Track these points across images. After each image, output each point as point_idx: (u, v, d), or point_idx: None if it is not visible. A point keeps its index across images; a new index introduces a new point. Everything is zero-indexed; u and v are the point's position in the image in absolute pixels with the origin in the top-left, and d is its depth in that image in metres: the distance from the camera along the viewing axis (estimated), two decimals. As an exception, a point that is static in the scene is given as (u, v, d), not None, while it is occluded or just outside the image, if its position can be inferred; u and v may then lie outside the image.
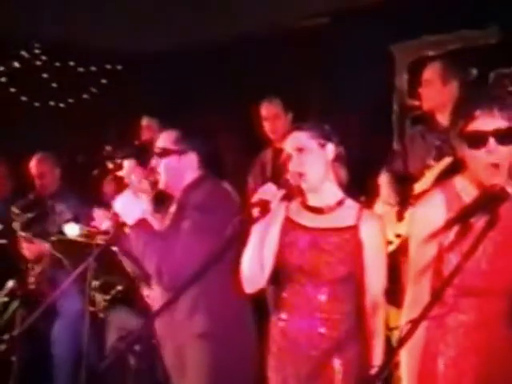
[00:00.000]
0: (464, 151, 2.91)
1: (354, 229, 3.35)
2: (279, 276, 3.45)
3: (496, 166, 2.80)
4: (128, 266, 4.21)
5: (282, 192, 3.29)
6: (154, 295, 4.03)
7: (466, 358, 2.98)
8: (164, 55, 8.21)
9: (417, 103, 6.47)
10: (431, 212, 3.00)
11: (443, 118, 4.96)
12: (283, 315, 3.44)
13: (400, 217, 4.87)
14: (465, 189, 2.98)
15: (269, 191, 3.26)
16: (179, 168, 3.93)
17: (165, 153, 3.92)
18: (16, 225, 6.06)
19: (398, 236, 4.77)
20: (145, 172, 5.04)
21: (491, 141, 2.78)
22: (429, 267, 3.00)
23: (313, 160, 3.37)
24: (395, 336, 4.31)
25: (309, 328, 3.37)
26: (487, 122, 2.79)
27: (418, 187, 4.84)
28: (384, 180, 5.00)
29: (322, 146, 3.39)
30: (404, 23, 6.41)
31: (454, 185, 3.03)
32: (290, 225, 3.43)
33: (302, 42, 7.16)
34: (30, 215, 6.08)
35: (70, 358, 5.84)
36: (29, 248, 5.94)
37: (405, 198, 4.91)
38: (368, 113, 6.51)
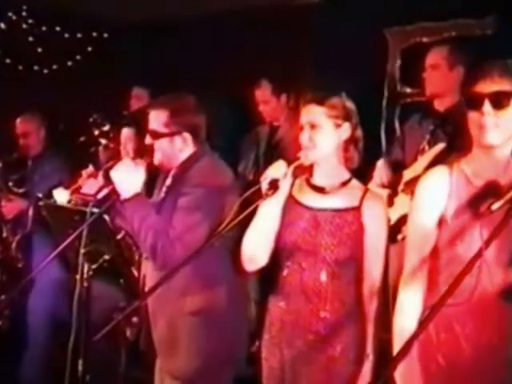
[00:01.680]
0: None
1: (356, 210, 3.29)
2: (279, 256, 3.37)
3: (490, 127, 2.77)
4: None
5: (291, 170, 3.21)
6: (145, 268, 3.94)
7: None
8: (151, 25, 8.11)
9: (408, 90, 6.46)
10: (436, 191, 2.95)
11: (440, 105, 4.96)
12: (282, 297, 3.37)
13: (390, 202, 4.82)
14: (472, 171, 2.93)
15: (279, 169, 3.19)
16: (173, 149, 3.83)
17: (156, 135, 3.82)
18: None
19: (388, 221, 4.74)
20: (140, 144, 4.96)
21: (486, 103, 2.74)
22: (427, 250, 2.98)
23: (324, 139, 3.28)
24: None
25: (307, 311, 3.31)
26: (486, 84, 2.76)
27: (409, 172, 4.83)
28: (379, 166, 4.95)
29: (339, 126, 3.29)
30: (400, 7, 6.33)
31: (460, 164, 2.98)
32: (291, 203, 3.36)
33: (294, 22, 7.06)
34: (12, 174, 6.00)
35: (45, 327, 5.76)
36: (8, 206, 5.87)
37: (395, 184, 4.87)
38: (358, 97, 6.43)
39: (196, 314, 3.71)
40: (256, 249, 3.32)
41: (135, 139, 4.94)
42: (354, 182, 3.38)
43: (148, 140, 3.86)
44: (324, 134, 3.26)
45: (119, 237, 4.00)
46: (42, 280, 5.71)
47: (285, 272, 3.36)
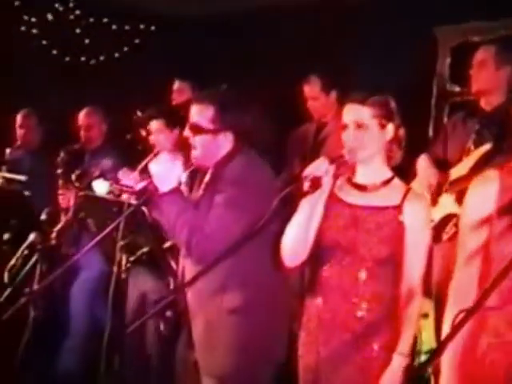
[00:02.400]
0: None
1: (397, 209, 3.22)
2: (318, 252, 3.31)
3: None
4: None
5: (333, 168, 3.16)
6: (183, 263, 3.90)
7: None
8: (200, 19, 8.08)
9: (457, 89, 6.36)
10: (486, 194, 2.84)
11: (487, 104, 4.87)
12: (319, 294, 3.31)
13: (434, 202, 4.74)
14: None
15: (321, 166, 3.12)
16: (215, 146, 3.77)
17: (199, 130, 3.75)
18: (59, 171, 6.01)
19: (431, 221, 4.66)
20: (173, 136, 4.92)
21: None
22: (478, 252, 2.85)
23: (369, 139, 3.23)
24: (425, 323, 4.21)
25: (345, 310, 3.24)
26: None
27: (455, 172, 4.74)
28: (422, 163, 4.87)
29: (383, 126, 3.24)
30: (450, 6, 6.25)
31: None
32: (332, 200, 3.30)
33: (344, 18, 7.00)
34: (71, 164, 6.01)
35: (86, 317, 5.77)
36: (64, 195, 5.89)
37: (440, 183, 4.78)
38: (406, 95, 6.35)
39: (234, 311, 3.66)
40: (296, 245, 3.27)
41: (166, 132, 4.90)
42: (396, 181, 3.33)
43: (187, 133, 3.80)
44: (370, 135, 3.22)
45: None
46: (86, 271, 5.76)
47: (323, 269, 3.30)
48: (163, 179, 3.62)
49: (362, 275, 3.21)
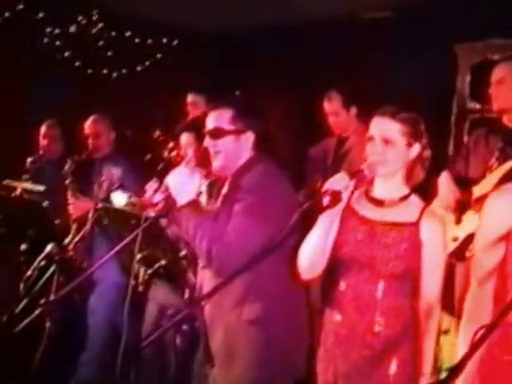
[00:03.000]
0: None
1: (414, 226, 3.17)
2: (334, 267, 3.26)
3: None
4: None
5: (353, 183, 3.11)
6: (201, 277, 3.85)
7: None
8: (219, 34, 8.09)
9: (477, 106, 6.29)
10: (504, 212, 2.78)
11: (510, 120, 4.79)
12: (337, 309, 3.27)
13: (458, 219, 4.72)
14: None
15: (341, 181, 3.08)
16: (237, 148, 3.74)
17: (221, 133, 3.72)
18: (67, 181, 5.98)
19: (455, 239, 4.62)
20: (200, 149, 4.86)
21: None
22: (495, 270, 2.81)
23: (394, 155, 3.18)
24: (446, 340, 4.13)
25: (362, 325, 3.20)
26: None
27: (478, 190, 4.67)
28: (443, 181, 4.79)
29: (410, 145, 3.19)
30: (470, 23, 6.22)
31: None
32: (349, 213, 3.26)
33: (365, 34, 6.97)
34: (80, 174, 5.99)
35: (105, 329, 5.72)
36: (75, 205, 5.84)
37: (464, 201, 4.72)
38: (427, 112, 6.30)
39: (253, 322, 3.61)
40: (313, 258, 3.22)
41: (196, 144, 4.85)
42: (413, 198, 3.28)
43: (208, 142, 3.75)
44: (396, 151, 3.17)
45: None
46: (104, 283, 5.71)
47: (340, 284, 3.25)
48: (181, 192, 3.60)
49: (379, 290, 3.18)
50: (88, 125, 6.30)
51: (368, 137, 3.21)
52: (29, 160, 6.56)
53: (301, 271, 3.26)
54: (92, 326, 5.88)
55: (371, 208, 3.25)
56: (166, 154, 5.70)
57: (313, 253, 3.21)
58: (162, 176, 5.00)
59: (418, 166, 3.26)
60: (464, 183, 4.76)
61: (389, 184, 3.25)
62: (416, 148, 3.19)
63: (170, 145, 5.67)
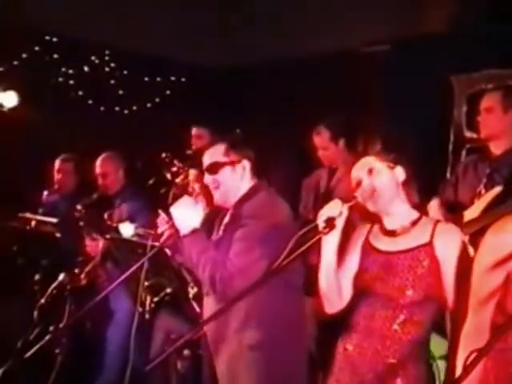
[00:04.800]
0: None
1: (428, 246, 3.13)
2: (352, 300, 3.27)
3: None
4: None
5: (347, 209, 3.11)
6: (205, 304, 3.84)
7: None
8: (226, 70, 8.14)
9: (474, 135, 6.27)
10: (502, 239, 2.73)
11: (497, 148, 4.79)
12: (350, 339, 3.23)
13: None
14: None
15: (335, 208, 3.09)
16: (235, 180, 3.77)
17: (217, 167, 3.75)
18: (80, 222, 5.96)
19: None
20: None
21: None
22: (492, 297, 2.75)
23: (383, 179, 3.22)
24: (441, 365, 4.08)
25: (376, 356, 3.14)
26: None
27: (468, 215, 4.60)
28: (434, 206, 4.77)
29: (392, 168, 3.24)
30: (465, 55, 6.21)
31: None
32: (367, 248, 3.28)
33: (361, 68, 6.97)
34: (92, 213, 5.96)
35: (120, 357, 5.69)
36: (91, 245, 5.81)
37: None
38: (425, 141, 6.31)
39: (255, 348, 3.59)
40: (328, 291, 3.23)
41: (199, 179, 4.86)
42: (425, 220, 3.26)
43: (207, 178, 3.76)
44: (383, 176, 3.22)
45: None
46: (121, 312, 5.68)
47: (356, 315, 3.23)
48: (184, 222, 3.61)
49: (397, 322, 3.13)
50: (97, 165, 6.32)
51: (356, 183, 3.24)
52: (44, 194, 6.57)
53: (324, 304, 3.26)
54: (108, 353, 5.85)
55: (386, 240, 3.24)
56: (169, 176, 5.69)
57: (325, 284, 3.21)
58: (164, 199, 5.03)
59: (408, 188, 3.27)
60: (454, 209, 4.74)
61: (395, 214, 3.24)
62: (399, 170, 3.24)
63: (174, 168, 5.67)
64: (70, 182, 6.79)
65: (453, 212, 4.69)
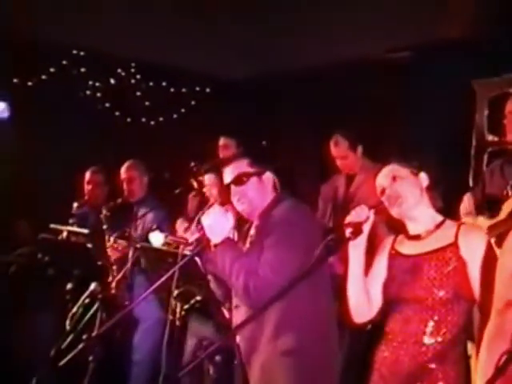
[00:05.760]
0: None
1: (453, 246, 3.12)
2: (383, 308, 3.26)
3: None
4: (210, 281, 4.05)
5: (373, 214, 3.12)
6: (235, 316, 3.81)
7: None
8: (249, 81, 8.16)
9: (495, 139, 6.23)
10: None
11: None
12: (386, 347, 3.21)
13: None
14: None
15: (362, 213, 3.11)
16: (262, 190, 3.76)
17: (244, 177, 3.75)
18: (105, 227, 6.05)
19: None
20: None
21: None
22: None
23: (408, 185, 3.22)
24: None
25: (414, 361, 3.11)
26: None
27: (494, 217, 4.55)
28: (466, 199, 4.74)
29: (415, 174, 3.25)
30: (486, 59, 6.19)
31: None
32: (393, 255, 3.27)
33: (384, 75, 6.96)
34: (116, 219, 6.06)
35: (149, 365, 5.71)
36: (114, 250, 5.89)
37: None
38: (447, 146, 6.28)
39: (288, 354, 3.56)
40: (357, 299, 3.23)
41: (218, 184, 4.86)
42: (448, 223, 3.25)
43: (233, 190, 3.77)
44: (407, 182, 3.23)
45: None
46: (150, 320, 5.70)
47: (389, 322, 3.22)
48: (215, 231, 3.59)
49: (429, 322, 3.10)
50: (123, 170, 6.40)
51: (380, 191, 3.24)
52: (74, 205, 6.61)
53: (352, 314, 3.25)
54: (137, 362, 5.90)
55: (411, 244, 3.24)
56: (196, 185, 5.71)
57: (356, 297, 3.22)
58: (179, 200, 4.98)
59: (432, 193, 3.26)
60: (481, 211, 4.71)
61: (419, 218, 3.23)
62: (423, 176, 3.25)
63: (201, 177, 5.69)
64: (99, 193, 6.82)
65: (481, 214, 4.67)
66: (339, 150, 6.03)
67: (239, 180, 3.75)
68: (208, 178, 4.82)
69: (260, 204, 3.75)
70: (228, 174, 3.80)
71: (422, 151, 6.30)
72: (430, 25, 6.36)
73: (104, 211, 6.08)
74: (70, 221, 6.38)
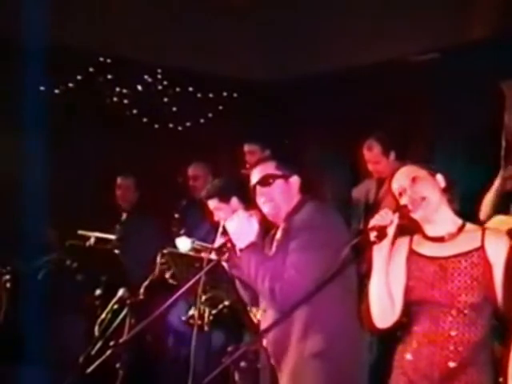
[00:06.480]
0: None
1: (480, 251, 3.06)
2: (407, 310, 3.18)
3: None
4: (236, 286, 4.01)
5: (397, 218, 3.07)
6: (262, 319, 3.78)
7: None
8: (276, 85, 8.11)
9: (525, 140, 6.15)
10: None
11: None
12: (410, 349, 3.14)
13: None
14: None
15: (386, 217, 3.05)
16: (288, 192, 3.73)
17: (271, 178, 3.73)
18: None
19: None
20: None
21: None
22: None
23: (428, 185, 3.16)
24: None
25: (439, 361, 3.05)
26: None
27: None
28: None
29: (433, 175, 3.20)
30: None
31: None
32: (414, 257, 3.19)
33: (412, 77, 6.90)
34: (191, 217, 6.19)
35: (178, 369, 5.68)
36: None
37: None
38: (476, 148, 6.22)
39: (317, 356, 3.53)
40: (381, 302, 3.15)
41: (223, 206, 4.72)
42: (469, 226, 3.19)
43: (259, 191, 3.73)
44: (427, 182, 3.17)
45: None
46: (176, 324, 5.68)
47: (414, 324, 3.15)
48: (239, 236, 3.59)
49: (455, 325, 3.05)
50: (189, 169, 6.76)
51: (399, 193, 3.19)
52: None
53: (374, 319, 3.18)
54: (167, 366, 5.87)
55: (433, 246, 3.16)
56: None
57: (380, 301, 3.14)
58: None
59: (449, 195, 3.20)
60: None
61: (440, 220, 3.17)
62: (440, 177, 3.19)
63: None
64: (130, 197, 6.89)
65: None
66: (372, 154, 5.99)
67: (265, 181, 3.73)
68: (211, 204, 4.66)
69: (285, 206, 3.72)
70: (255, 175, 3.78)
71: (450, 153, 6.25)
72: (457, 26, 6.30)
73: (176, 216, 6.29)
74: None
